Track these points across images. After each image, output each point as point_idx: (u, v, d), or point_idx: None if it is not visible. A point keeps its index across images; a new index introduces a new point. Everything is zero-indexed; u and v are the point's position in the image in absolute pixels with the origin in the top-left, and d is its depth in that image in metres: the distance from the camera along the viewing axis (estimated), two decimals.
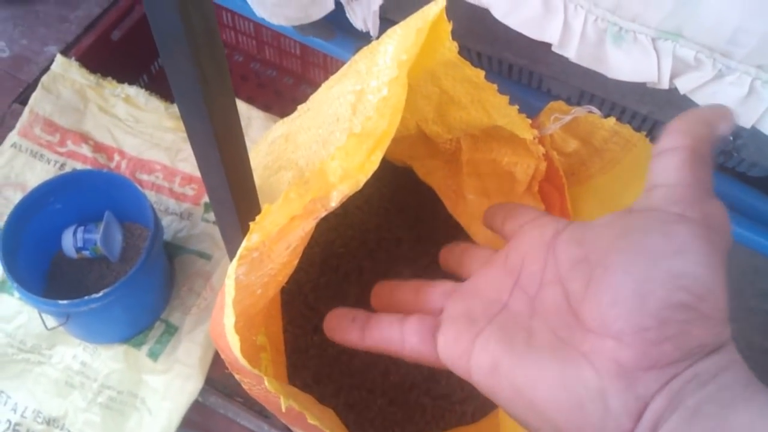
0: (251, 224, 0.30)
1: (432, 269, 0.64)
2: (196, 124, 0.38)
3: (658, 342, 0.24)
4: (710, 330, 0.24)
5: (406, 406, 0.58)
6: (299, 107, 0.47)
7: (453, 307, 0.32)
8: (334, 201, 0.29)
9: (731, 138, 0.50)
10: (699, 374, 0.24)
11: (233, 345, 0.30)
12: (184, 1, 0.31)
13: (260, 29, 1.00)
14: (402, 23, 0.35)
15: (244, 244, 0.29)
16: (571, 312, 0.27)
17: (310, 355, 0.59)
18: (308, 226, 0.30)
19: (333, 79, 0.42)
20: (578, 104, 0.54)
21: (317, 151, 0.39)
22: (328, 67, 0.98)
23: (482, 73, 0.35)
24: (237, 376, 0.36)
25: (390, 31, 0.36)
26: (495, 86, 0.36)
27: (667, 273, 0.25)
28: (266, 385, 0.31)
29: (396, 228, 0.62)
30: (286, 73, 1.04)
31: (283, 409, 0.32)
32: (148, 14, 0.32)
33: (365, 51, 0.38)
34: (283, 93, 1.02)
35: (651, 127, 0.57)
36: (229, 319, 0.29)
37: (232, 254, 0.52)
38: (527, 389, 0.26)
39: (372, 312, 0.36)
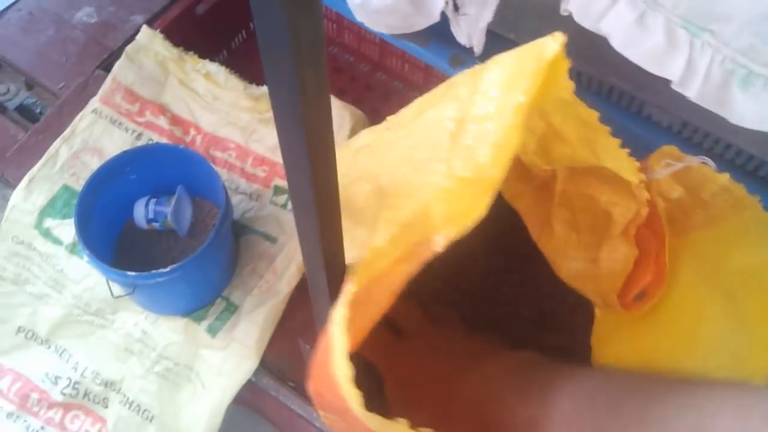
0: (355, 265, 0.29)
1: (499, 284, 0.63)
2: (289, 135, 0.37)
3: None
4: None
5: None
6: (388, 119, 0.45)
7: None
8: (439, 246, 0.28)
9: None
10: None
11: (351, 401, 0.28)
12: (292, 9, 0.30)
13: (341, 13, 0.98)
14: (513, 52, 0.33)
15: (351, 288, 0.28)
16: None
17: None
18: (411, 268, 0.29)
19: (427, 97, 0.40)
20: (679, 134, 0.51)
21: (407, 174, 0.37)
22: (407, 57, 0.96)
23: (596, 114, 0.33)
24: (321, 413, 0.35)
25: (497, 58, 0.34)
26: (608, 129, 0.34)
27: None
28: None
29: (470, 240, 0.60)
30: (363, 59, 1.02)
31: None
32: (254, 18, 0.32)
33: (466, 75, 0.36)
34: (358, 79, 1.01)
35: (756, 168, 0.54)
36: (342, 371, 0.28)
37: (306, 252, 0.52)
38: None
39: None
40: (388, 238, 0.28)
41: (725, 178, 0.38)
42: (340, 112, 0.87)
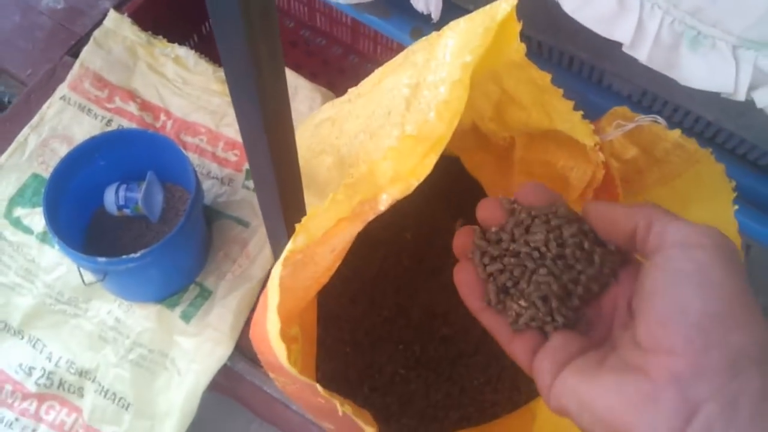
0: (297, 226, 0.29)
1: None
2: (245, 106, 0.37)
3: (705, 350, 0.27)
4: (748, 335, 0.27)
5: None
6: (349, 90, 0.45)
7: (558, 338, 0.34)
8: (384, 204, 0.28)
9: None
10: (747, 385, 0.26)
11: (279, 353, 0.29)
12: None
13: None
14: (467, 17, 0.33)
15: (289, 246, 0.28)
16: (634, 342, 0.30)
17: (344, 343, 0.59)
18: (355, 229, 0.29)
19: (387, 66, 0.40)
20: (639, 103, 0.51)
21: (363, 141, 0.37)
22: (379, 39, 0.96)
23: (548, 77, 0.33)
24: (272, 375, 0.36)
25: (452, 24, 0.34)
26: (561, 91, 0.34)
27: (698, 287, 0.28)
28: (319, 391, 0.30)
29: (438, 216, 0.60)
30: (335, 42, 1.02)
31: (340, 414, 0.31)
32: None
33: (424, 42, 0.36)
34: (330, 62, 1.01)
35: (714, 134, 0.54)
36: (273, 325, 0.29)
37: (272, 235, 0.52)
38: (589, 400, 0.29)
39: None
40: (330, 197, 0.28)
41: (677, 134, 0.38)
42: (312, 94, 0.86)
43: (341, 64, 1.00)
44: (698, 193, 0.39)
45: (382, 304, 0.64)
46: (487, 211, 0.37)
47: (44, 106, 0.86)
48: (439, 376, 0.60)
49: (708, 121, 0.52)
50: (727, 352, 0.27)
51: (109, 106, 0.87)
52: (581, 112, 0.36)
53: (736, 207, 0.39)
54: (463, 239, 0.37)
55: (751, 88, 0.40)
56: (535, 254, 0.34)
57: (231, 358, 0.76)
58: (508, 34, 0.32)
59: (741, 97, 0.40)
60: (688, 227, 0.30)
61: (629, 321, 0.32)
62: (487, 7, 0.32)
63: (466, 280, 0.36)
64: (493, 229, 0.35)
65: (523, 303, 0.34)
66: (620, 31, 0.41)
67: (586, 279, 0.34)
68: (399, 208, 0.62)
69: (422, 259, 0.62)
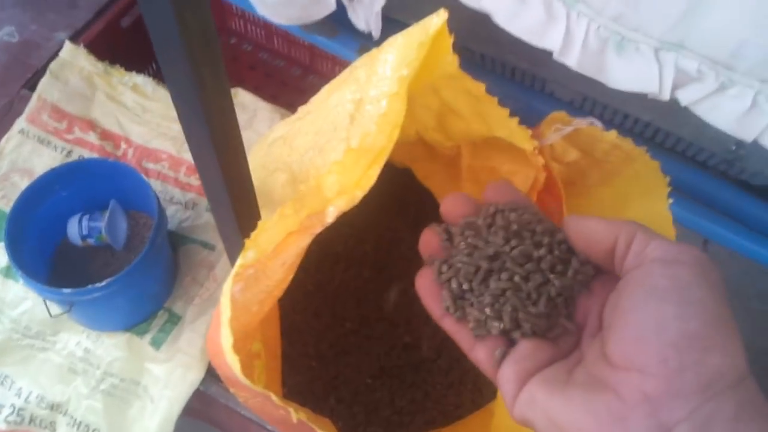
0: (246, 241, 0.30)
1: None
2: (193, 127, 0.38)
3: (680, 371, 0.26)
4: (725, 357, 0.26)
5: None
6: (300, 108, 0.47)
7: (524, 346, 0.33)
8: (331, 217, 0.29)
9: (733, 148, 0.49)
10: (721, 408, 0.25)
11: (233, 365, 0.30)
12: (179, 5, 0.31)
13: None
14: (404, 32, 0.34)
15: (239, 261, 0.29)
16: (604, 357, 0.29)
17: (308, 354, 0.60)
18: (304, 242, 0.30)
19: (333, 83, 0.42)
20: (581, 108, 0.53)
21: (313, 157, 0.39)
22: (337, 59, 0.97)
23: (482, 87, 0.35)
24: (232, 390, 0.36)
25: (391, 40, 0.35)
26: (495, 99, 0.36)
27: (678, 306, 0.27)
28: (274, 400, 0.31)
29: (395, 227, 0.62)
30: (294, 63, 1.03)
31: (294, 421, 0.32)
32: (144, 17, 0.32)
33: (365, 58, 0.38)
34: (290, 83, 1.02)
35: (653, 134, 0.57)
36: (226, 339, 0.29)
37: (231, 254, 0.53)
38: (558, 416, 0.28)
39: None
40: (278, 211, 0.29)
41: (613, 135, 0.39)
42: (271, 116, 0.87)
43: (300, 85, 1.02)
44: (637, 190, 0.41)
45: (345, 315, 0.65)
46: (451, 206, 0.35)
47: (2, 141, 0.86)
48: (402, 382, 0.61)
49: (646, 122, 0.54)
50: (703, 374, 0.26)
51: (68, 137, 0.87)
52: (517, 119, 0.37)
53: (671, 201, 0.41)
54: (427, 238, 0.35)
55: (675, 87, 0.42)
56: (491, 253, 0.32)
57: (203, 382, 0.76)
58: (441, 47, 0.33)
59: (666, 96, 0.42)
60: (669, 244, 0.29)
61: (599, 332, 0.31)
62: (422, 21, 0.33)
63: (426, 286, 0.35)
64: (453, 228, 0.34)
65: (485, 310, 0.32)
66: (549, 40, 0.43)
67: (559, 285, 0.32)
68: (357, 221, 0.64)
69: (382, 269, 0.63)
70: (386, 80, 0.34)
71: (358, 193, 0.29)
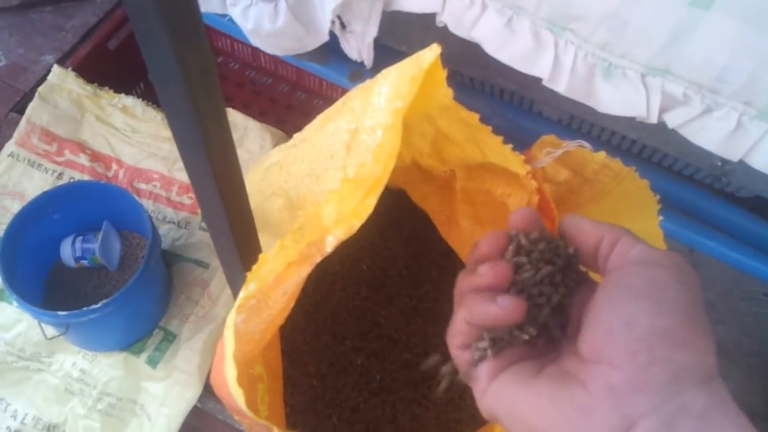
0: (248, 274, 0.30)
1: (427, 288, 0.66)
2: (192, 160, 0.39)
3: (648, 365, 0.26)
4: (695, 355, 0.26)
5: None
6: (294, 135, 0.48)
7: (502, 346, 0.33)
8: (330, 246, 0.30)
9: (719, 163, 0.51)
10: (689, 404, 0.25)
11: (237, 398, 0.30)
12: (179, 44, 0.31)
13: None
14: (397, 66, 0.35)
15: (241, 294, 0.30)
16: (576, 353, 0.29)
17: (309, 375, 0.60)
18: (304, 271, 0.31)
19: (328, 112, 0.43)
20: (569, 126, 0.55)
21: (310, 185, 0.39)
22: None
23: (476, 116, 0.36)
24: (236, 417, 0.37)
25: (385, 72, 0.36)
26: (489, 128, 0.37)
27: (650, 303, 0.27)
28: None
29: (391, 246, 0.63)
30: (281, 80, 1.04)
31: None
32: (144, 55, 0.33)
33: (360, 89, 0.39)
34: (278, 100, 1.03)
35: (640, 150, 0.58)
36: (230, 371, 0.30)
37: (231, 279, 0.53)
38: (521, 407, 0.29)
39: None
40: (279, 243, 0.29)
41: (602, 155, 0.41)
42: (261, 134, 0.88)
43: (289, 101, 1.03)
44: (627, 208, 0.42)
45: (345, 334, 0.66)
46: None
47: None
48: (403, 399, 0.62)
49: (633, 139, 0.56)
50: (671, 369, 0.26)
51: (59, 159, 0.88)
52: (510, 146, 0.38)
53: (661, 218, 0.42)
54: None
55: (662, 111, 0.44)
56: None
57: (201, 398, 0.76)
58: (435, 80, 0.34)
59: (654, 120, 0.43)
60: (652, 249, 0.29)
61: (577, 335, 0.31)
62: (416, 55, 0.34)
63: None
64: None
65: None
66: (539, 67, 0.45)
67: (558, 298, 0.33)
68: (354, 241, 0.65)
69: (379, 288, 0.64)
70: (381, 111, 0.35)
71: (356, 222, 0.30)
